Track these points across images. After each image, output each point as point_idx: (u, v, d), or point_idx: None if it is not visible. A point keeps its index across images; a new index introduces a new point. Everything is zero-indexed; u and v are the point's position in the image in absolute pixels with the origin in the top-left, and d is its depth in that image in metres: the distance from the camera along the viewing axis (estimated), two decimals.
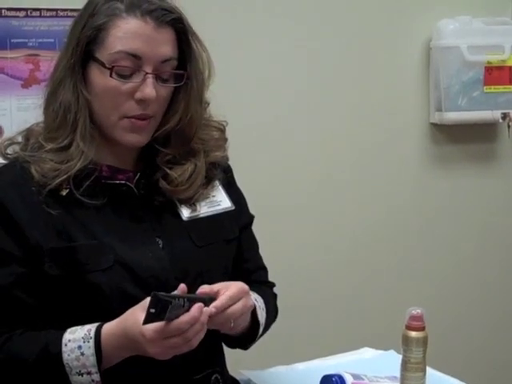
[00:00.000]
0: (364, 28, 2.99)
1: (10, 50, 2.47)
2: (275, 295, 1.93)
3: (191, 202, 1.75)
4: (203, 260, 1.71)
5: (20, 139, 1.73)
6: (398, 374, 1.73)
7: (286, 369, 1.98)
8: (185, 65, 1.70)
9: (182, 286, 1.53)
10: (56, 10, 2.49)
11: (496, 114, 3.11)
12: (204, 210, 1.76)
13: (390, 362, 1.86)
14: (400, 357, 1.72)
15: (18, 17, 2.47)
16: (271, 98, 2.86)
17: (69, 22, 1.71)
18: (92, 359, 1.55)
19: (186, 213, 1.74)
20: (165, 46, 1.65)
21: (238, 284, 1.62)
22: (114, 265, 1.62)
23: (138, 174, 1.72)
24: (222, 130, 1.83)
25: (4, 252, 1.62)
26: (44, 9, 2.48)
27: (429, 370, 1.74)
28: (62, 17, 2.49)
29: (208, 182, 1.79)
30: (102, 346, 1.56)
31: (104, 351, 1.56)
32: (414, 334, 1.68)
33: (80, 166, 1.63)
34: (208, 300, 1.54)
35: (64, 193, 1.64)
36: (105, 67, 1.62)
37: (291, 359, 2.00)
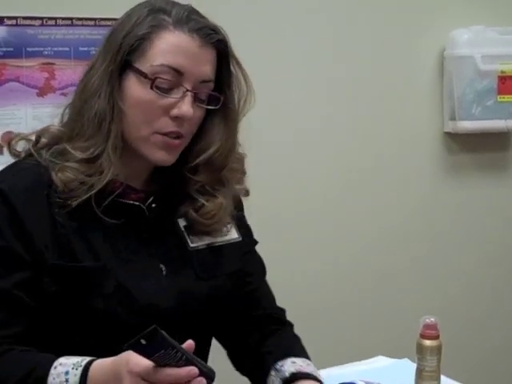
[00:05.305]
0: (378, 38, 2.99)
1: (26, 58, 2.49)
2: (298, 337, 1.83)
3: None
4: (205, 292, 1.67)
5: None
6: (412, 382, 1.73)
7: None
8: (221, 89, 1.64)
9: (190, 343, 1.41)
10: (71, 18, 2.49)
11: (509, 123, 3.11)
12: (210, 240, 1.72)
13: (404, 370, 1.85)
14: (414, 365, 1.72)
15: (33, 25, 2.48)
16: (283, 110, 2.87)
17: (84, 31, 1.71)
18: None
19: (192, 241, 1.70)
20: (207, 65, 1.60)
21: None
22: (114, 291, 1.57)
23: (152, 198, 1.66)
24: (242, 162, 1.77)
25: (9, 255, 1.56)
26: (59, 18, 2.49)
27: (443, 378, 1.74)
28: (77, 26, 2.49)
29: None
30: (88, 376, 1.47)
31: (89, 381, 1.47)
32: (428, 342, 1.68)
33: (108, 179, 1.58)
34: (207, 371, 1.41)
35: (73, 204, 1.57)
36: (146, 78, 1.57)
37: None
